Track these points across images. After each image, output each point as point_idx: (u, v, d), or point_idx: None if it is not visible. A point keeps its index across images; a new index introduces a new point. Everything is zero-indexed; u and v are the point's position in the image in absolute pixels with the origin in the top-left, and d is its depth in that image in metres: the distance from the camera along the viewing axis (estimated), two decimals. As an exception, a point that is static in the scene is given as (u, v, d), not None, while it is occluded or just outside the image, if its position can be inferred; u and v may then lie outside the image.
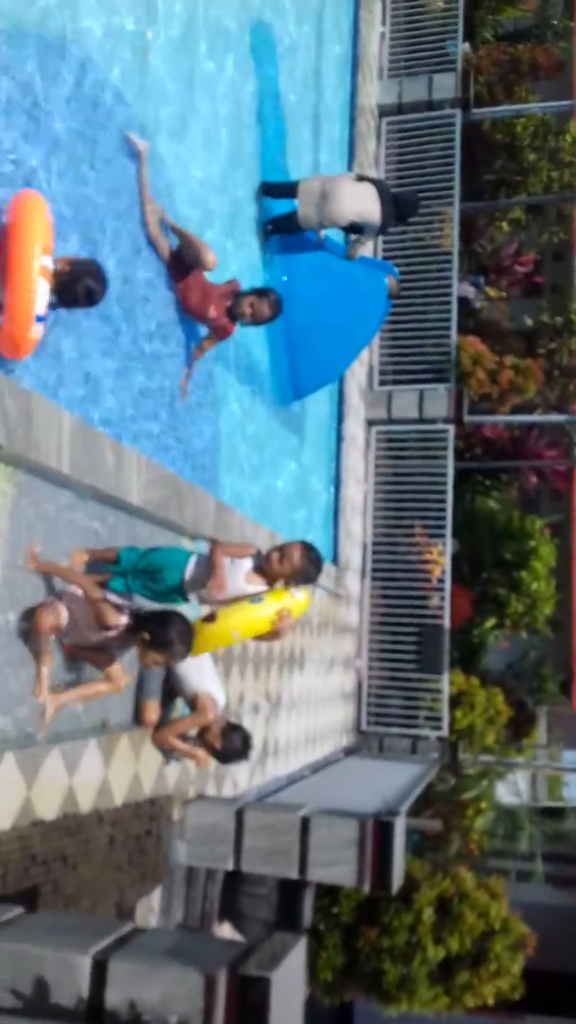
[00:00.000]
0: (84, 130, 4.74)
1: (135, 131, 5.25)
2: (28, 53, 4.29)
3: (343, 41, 10.62)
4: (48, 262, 3.63)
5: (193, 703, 4.94)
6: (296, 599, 4.51)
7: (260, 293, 5.99)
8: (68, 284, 3.81)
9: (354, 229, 7.61)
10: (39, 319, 3.60)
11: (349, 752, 10.40)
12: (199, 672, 4.95)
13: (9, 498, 3.75)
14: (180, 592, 4.36)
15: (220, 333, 5.92)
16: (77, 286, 3.83)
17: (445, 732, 10.94)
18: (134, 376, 5.20)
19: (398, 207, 7.49)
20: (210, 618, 4.48)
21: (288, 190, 7.39)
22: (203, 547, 5.46)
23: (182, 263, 5.60)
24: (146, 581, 4.30)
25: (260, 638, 4.69)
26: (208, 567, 4.35)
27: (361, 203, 7.25)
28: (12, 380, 3.71)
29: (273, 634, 4.50)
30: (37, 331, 3.64)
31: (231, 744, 5.04)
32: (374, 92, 11.67)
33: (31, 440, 3.74)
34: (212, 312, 5.77)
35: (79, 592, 3.93)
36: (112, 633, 3.90)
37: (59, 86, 4.52)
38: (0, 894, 3.51)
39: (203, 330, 5.92)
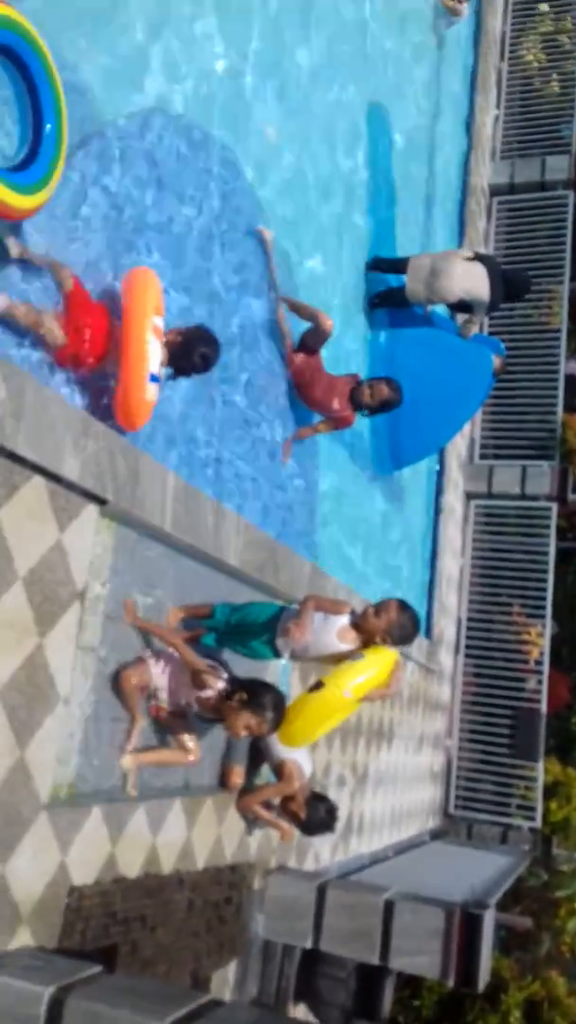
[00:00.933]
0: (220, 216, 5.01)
1: (259, 219, 5.49)
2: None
3: (458, 123, 10.87)
4: (160, 323, 3.77)
5: (279, 771, 4.86)
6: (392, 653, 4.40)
7: (381, 379, 6.11)
8: (182, 352, 3.95)
9: (462, 307, 7.65)
10: (153, 379, 3.71)
11: (435, 836, 10.03)
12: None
13: (111, 552, 3.83)
14: (269, 639, 4.27)
15: (341, 423, 6.07)
16: (193, 353, 3.97)
17: (538, 823, 10.45)
18: (238, 439, 5.29)
19: (508, 286, 7.50)
20: (317, 686, 4.33)
21: (398, 266, 7.51)
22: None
23: (304, 347, 5.76)
24: (238, 634, 4.30)
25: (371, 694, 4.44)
26: (297, 615, 4.27)
27: (471, 281, 7.28)
28: (124, 439, 3.82)
29: (387, 684, 4.37)
30: (152, 392, 3.75)
31: (316, 815, 4.93)
32: (486, 172, 11.83)
33: (136, 498, 3.83)
34: (336, 404, 5.90)
35: (176, 653, 3.97)
36: (208, 694, 3.90)
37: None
38: (80, 950, 3.48)
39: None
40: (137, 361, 3.69)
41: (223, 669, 4.05)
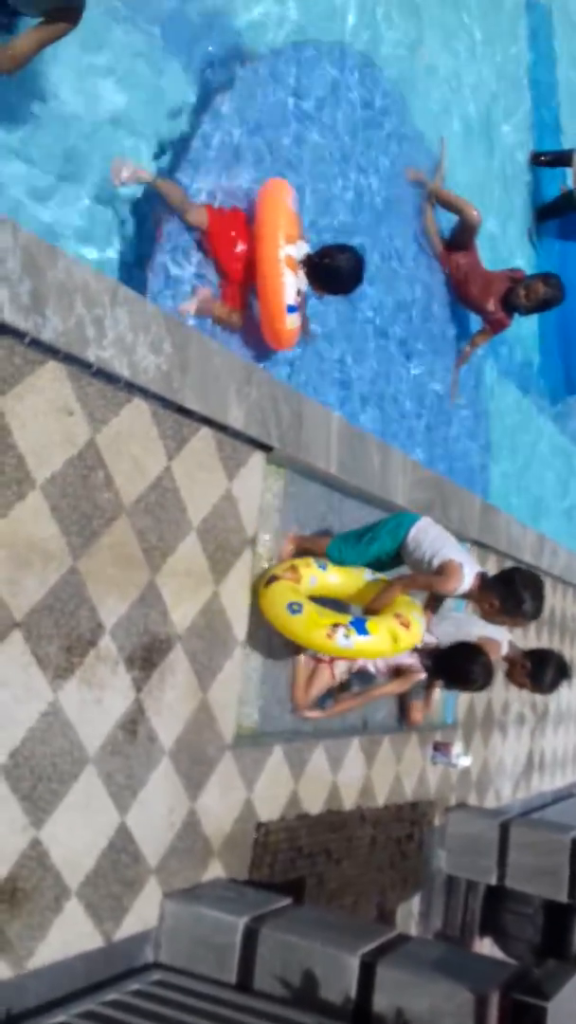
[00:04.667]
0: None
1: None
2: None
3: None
4: (294, 251, 3.72)
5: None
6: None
7: (538, 277, 5.74)
8: (325, 275, 3.90)
9: None
10: (291, 309, 3.73)
11: (621, 772, 9.73)
12: (456, 627, 4.54)
13: (280, 498, 3.86)
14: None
15: (495, 327, 5.74)
16: (335, 276, 3.92)
17: None
18: (402, 376, 5.18)
19: None
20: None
21: (562, 158, 7.03)
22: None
23: (455, 243, 5.50)
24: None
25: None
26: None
27: None
28: (286, 384, 3.81)
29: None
30: (292, 321, 3.79)
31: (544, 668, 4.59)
32: None
33: (302, 442, 3.82)
34: (491, 305, 5.60)
35: None
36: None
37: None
38: (270, 882, 3.61)
39: (474, 325, 5.78)
40: (273, 296, 3.75)
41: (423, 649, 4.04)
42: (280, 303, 3.71)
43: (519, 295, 5.60)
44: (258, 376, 3.52)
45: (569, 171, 6.96)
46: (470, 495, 5.55)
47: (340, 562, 3.88)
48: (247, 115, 4.03)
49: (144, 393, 2.98)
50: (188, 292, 3.69)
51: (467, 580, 3.77)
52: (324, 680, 3.98)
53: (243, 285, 3.78)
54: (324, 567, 3.81)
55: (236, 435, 3.44)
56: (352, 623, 3.56)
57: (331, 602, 3.81)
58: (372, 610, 3.79)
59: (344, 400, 4.63)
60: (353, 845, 4.33)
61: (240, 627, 3.52)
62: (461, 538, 5.31)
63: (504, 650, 4.62)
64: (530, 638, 6.50)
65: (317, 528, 4.14)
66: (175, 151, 3.70)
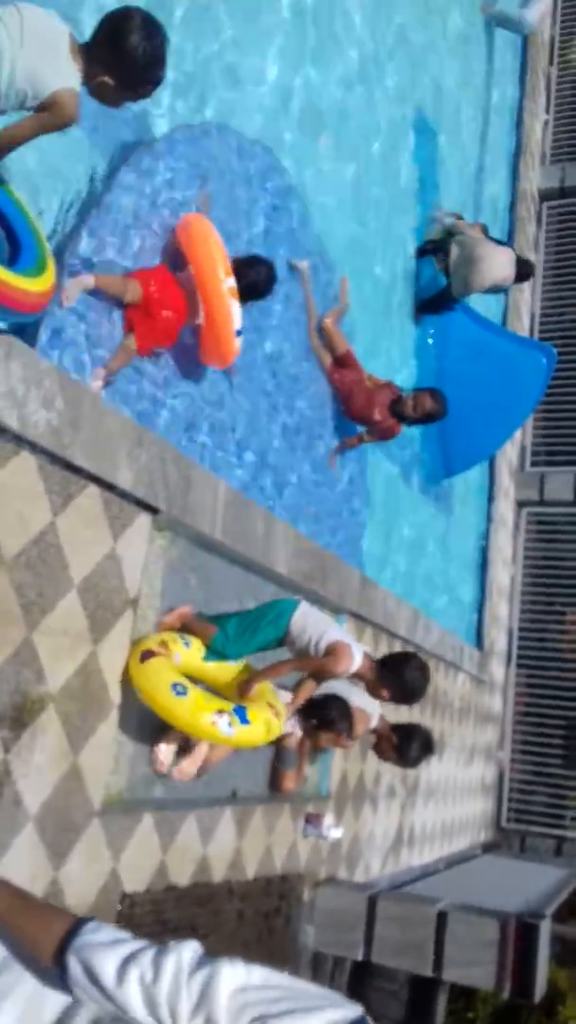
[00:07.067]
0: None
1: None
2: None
3: (507, 128, 10.78)
4: (233, 283, 4.05)
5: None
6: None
7: (425, 391, 6.07)
8: (246, 289, 4.24)
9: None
10: (238, 334, 4.11)
11: (487, 849, 9.90)
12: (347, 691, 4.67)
13: (164, 559, 3.86)
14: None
15: (385, 434, 6.02)
16: (256, 287, 4.38)
17: (593, 835, 10.27)
18: (289, 449, 5.30)
19: (519, 272, 7.43)
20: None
21: (444, 243, 7.43)
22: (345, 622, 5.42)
23: (340, 360, 5.78)
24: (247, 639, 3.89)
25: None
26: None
27: (509, 269, 7.27)
28: (175, 448, 3.85)
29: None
30: (239, 344, 4.17)
31: (410, 744, 4.70)
32: (536, 177, 11.73)
33: (188, 506, 3.85)
34: (377, 415, 5.87)
35: None
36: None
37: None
38: (131, 957, 3.49)
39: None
40: (224, 326, 4.06)
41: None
42: (230, 330, 4.09)
43: (407, 405, 5.94)
44: (148, 438, 3.56)
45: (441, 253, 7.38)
46: (349, 568, 5.68)
47: (222, 655, 3.86)
48: (150, 188, 4.15)
49: (32, 447, 2.97)
50: (85, 355, 3.71)
51: (356, 660, 3.87)
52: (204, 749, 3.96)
53: (175, 325, 4.04)
54: (188, 644, 3.76)
55: (124, 495, 3.45)
56: (235, 711, 3.55)
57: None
58: (246, 692, 3.80)
59: (231, 469, 4.71)
60: (220, 920, 4.24)
61: (116, 690, 3.47)
62: (340, 610, 5.43)
63: (374, 723, 4.73)
64: (402, 711, 6.62)
65: (197, 595, 4.15)
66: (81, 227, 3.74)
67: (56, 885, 3.12)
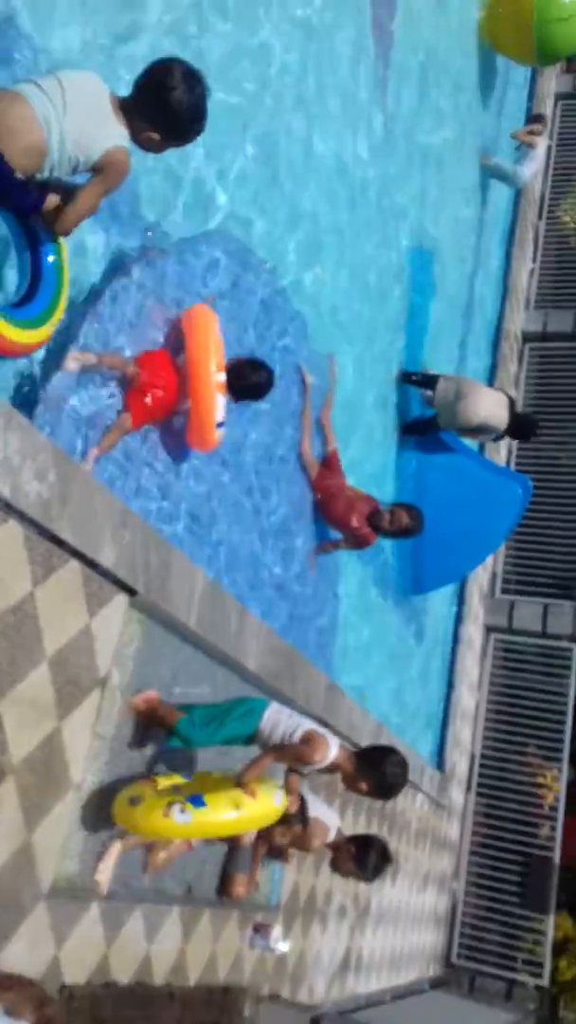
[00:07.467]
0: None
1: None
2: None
3: (495, 273, 11.43)
4: (222, 378, 4.25)
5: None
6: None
7: (403, 506, 6.26)
8: (243, 390, 4.47)
9: (470, 430, 7.84)
10: (219, 425, 4.30)
11: (435, 984, 9.52)
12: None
13: (137, 642, 3.90)
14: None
15: (361, 542, 6.17)
16: (256, 388, 4.59)
17: (546, 982, 9.90)
18: (269, 548, 5.42)
19: (518, 422, 7.73)
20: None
21: (430, 382, 7.77)
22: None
23: (325, 464, 6.00)
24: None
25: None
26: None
27: (497, 409, 7.56)
28: (158, 533, 3.95)
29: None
30: (218, 435, 4.36)
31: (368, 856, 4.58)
32: (520, 319, 12.35)
33: (166, 592, 3.92)
34: (355, 522, 6.03)
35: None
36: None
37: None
38: (63, 1054, 3.34)
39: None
40: (207, 416, 4.26)
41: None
42: (212, 421, 4.29)
43: (384, 519, 6.12)
44: (133, 520, 3.65)
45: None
46: (318, 672, 5.70)
47: (187, 741, 3.88)
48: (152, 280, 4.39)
49: (21, 517, 3.05)
50: (81, 429, 3.85)
51: (332, 750, 3.89)
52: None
53: (166, 402, 4.20)
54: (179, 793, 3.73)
55: (104, 573, 3.52)
56: (188, 799, 3.55)
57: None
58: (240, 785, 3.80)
59: (210, 561, 4.80)
60: (157, 1027, 4.06)
61: (76, 769, 3.45)
62: (305, 713, 5.42)
63: (331, 836, 4.67)
64: (360, 825, 6.51)
65: (166, 680, 4.16)
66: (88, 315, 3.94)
67: (-6, 967, 3.02)
